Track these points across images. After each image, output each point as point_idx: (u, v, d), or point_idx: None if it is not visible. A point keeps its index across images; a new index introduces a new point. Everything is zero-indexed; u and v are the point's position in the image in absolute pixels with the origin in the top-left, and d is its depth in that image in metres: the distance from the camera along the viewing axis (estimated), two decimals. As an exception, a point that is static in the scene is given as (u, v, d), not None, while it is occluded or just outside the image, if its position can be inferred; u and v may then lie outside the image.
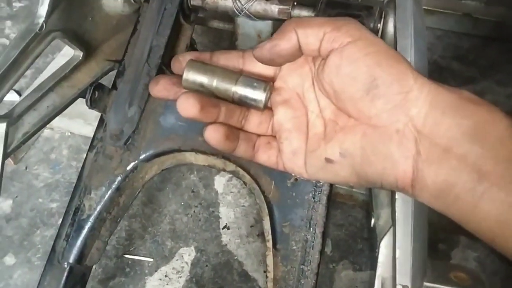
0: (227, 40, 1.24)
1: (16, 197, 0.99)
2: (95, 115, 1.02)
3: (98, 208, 0.62)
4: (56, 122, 1.09)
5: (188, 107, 0.42)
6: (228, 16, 0.70)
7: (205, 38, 1.26)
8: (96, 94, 0.60)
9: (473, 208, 0.33)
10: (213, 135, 0.43)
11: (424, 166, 0.35)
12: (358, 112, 0.38)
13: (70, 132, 1.09)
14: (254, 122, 0.46)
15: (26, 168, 1.03)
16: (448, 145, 0.34)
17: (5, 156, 0.56)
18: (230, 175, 1.01)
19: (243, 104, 0.44)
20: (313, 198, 0.57)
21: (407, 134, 0.36)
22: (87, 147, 1.04)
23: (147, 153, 0.62)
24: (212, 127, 0.43)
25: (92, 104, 0.60)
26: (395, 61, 0.37)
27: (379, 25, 0.60)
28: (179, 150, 0.62)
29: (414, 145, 0.36)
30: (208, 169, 1.02)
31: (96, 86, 0.60)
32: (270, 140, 0.46)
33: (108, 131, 0.62)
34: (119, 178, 0.62)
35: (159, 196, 0.99)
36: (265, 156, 0.46)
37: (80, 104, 1.05)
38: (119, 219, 0.65)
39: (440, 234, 0.87)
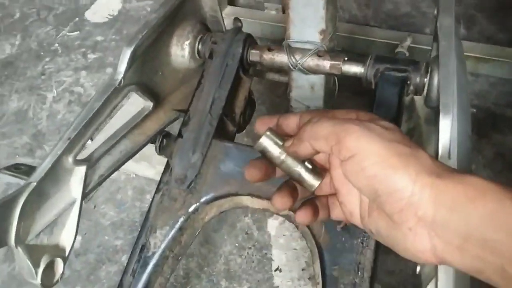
0: (282, 87, 1.30)
1: (85, 234, 1.07)
2: (158, 158, 1.10)
3: (162, 246, 0.67)
4: (123, 164, 1.19)
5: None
6: (284, 69, 0.76)
7: (261, 86, 1.33)
8: (164, 142, 0.67)
9: (506, 285, 0.34)
10: (303, 215, 0.46)
11: (446, 255, 0.37)
12: (377, 208, 0.41)
13: (135, 174, 1.17)
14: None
15: (95, 207, 1.12)
16: (465, 234, 0.35)
17: (84, 196, 0.63)
18: (283, 219, 1.04)
19: (297, 181, 0.47)
20: (362, 243, 0.60)
21: (419, 232, 0.37)
22: (150, 188, 1.11)
23: (208, 196, 0.67)
24: (300, 211, 0.46)
25: (161, 151, 0.67)
26: (392, 169, 0.38)
27: (425, 79, 0.64)
28: (236, 194, 0.67)
29: (429, 240, 0.37)
30: (262, 212, 1.06)
31: (165, 135, 0.67)
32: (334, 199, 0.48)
33: (173, 175, 0.68)
34: (181, 218, 0.67)
35: (215, 237, 1.04)
36: (338, 212, 0.48)
37: (145, 148, 1.14)
38: (180, 257, 0.70)
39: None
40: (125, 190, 1.15)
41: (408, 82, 0.64)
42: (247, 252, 1.01)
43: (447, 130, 0.48)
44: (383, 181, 0.38)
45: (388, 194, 0.38)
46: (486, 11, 1.46)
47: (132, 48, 0.63)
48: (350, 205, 0.45)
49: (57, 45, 1.56)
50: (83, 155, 0.65)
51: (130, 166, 1.16)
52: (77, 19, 1.65)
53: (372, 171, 0.38)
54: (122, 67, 0.63)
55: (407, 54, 0.67)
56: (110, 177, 1.17)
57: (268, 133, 0.45)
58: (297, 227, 0.65)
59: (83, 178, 0.63)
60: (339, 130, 0.40)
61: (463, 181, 0.36)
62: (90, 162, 0.65)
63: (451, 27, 0.55)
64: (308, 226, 0.63)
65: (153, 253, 0.67)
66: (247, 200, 0.67)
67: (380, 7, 1.53)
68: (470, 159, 0.53)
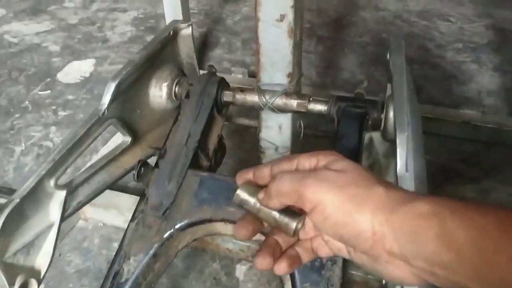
0: (249, 143, 1.36)
1: (49, 282, 1.05)
2: (127, 206, 1.11)
3: (136, 272, 0.69)
4: (91, 213, 1.19)
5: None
6: (253, 115, 0.82)
7: (229, 142, 1.39)
8: (142, 170, 0.70)
9: None
10: (281, 268, 0.46)
11: (425, 278, 0.39)
12: None
13: (103, 223, 1.17)
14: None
15: (60, 255, 1.10)
16: (429, 260, 0.37)
17: (62, 219, 0.65)
18: (251, 264, 1.06)
19: (276, 227, 0.48)
20: (330, 260, 0.63)
21: (396, 262, 0.40)
22: (118, 237, 1.11)
23: (182, 223, 0.70)
24: (278, 264, 0.46)
25: (138, 178, 0.70)
26: (348, 215, 0.40)
27: (382, 114, 0.71)
28: (210, 220, 0.70)
29: (407, 268, 0.39)
30: (230, 258, 1.08)
31: (143, 163, 0.70)
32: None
33: (149, 203, 0.71)
34: (156, 245, 0.70)
35: (183, 283, 1.04)
36: (326, 250, 0.49)
37: (115, 196, 1.15)
38: (153, 285, 0.71)
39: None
40: (92, 239, 1.14)
41: (367, 117, 0.72)
42: (215, 297, 1.01)
43: (403, 144, 0.54)
44: (345, 227, 0.41)
45: (353, 237, 0.41)
46: (432, 81, 1.61)
47: (116, 82, 0.68)
48: (336, 243, 0.45)
49: (27, 102, 1.59)
50: (63, 181, 0.67)
51: (98, 214, 1.16)
52: (48, 79, 1.70)
53: (333, 219, 0.41)
54: (106, 98, 0.68)
55: (365, 94, 0.75)
56: (77, 226, 1.17)
57: (243, 185, 0.49)
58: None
59: (63, 202, 0.65)
60: (298, 187, 0.43)
61: (413, 210, 0.38)
62: (70, 188, 0.67)
63: (402, 64, 0.64)
64: (279, 248, 0.66)
65: (126, 280, 0.68)
66: (220, 226, 0.70)
67: (337, 76, 1.67)
68: (425, 176, 0.59)
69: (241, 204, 0.49)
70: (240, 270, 1.07)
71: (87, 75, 1.73)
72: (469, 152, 1.35)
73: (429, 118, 1.37)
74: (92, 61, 1.81)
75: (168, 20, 1.55)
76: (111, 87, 0.68)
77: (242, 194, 0.49)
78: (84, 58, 1.83)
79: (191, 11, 2.08)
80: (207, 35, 1.95)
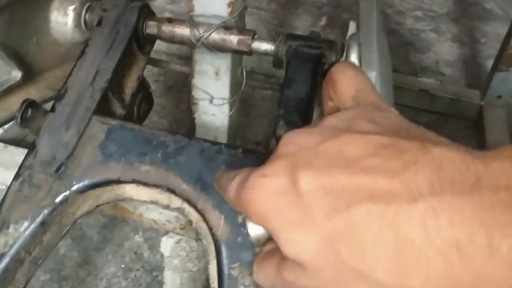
0: (185, 102, 1.21)
1: None
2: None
3: (16, 245, 0.52)
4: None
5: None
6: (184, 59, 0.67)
7: (163, 99, 1.23)
8: (29, 111, 0.53)
9: None
10: None
11: None
12: None
13: (5, 185, 0.98)
14: None
15: None
16: None
17: None
18: (179, 237, 0.92)
19: None
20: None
21: None
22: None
23: (81, 183, 0.54)
24: None
25: (23, 123, 0.53)
26: None
27: (341, 58, 0.58)
28: (118, 182, 0.54)
29: None
30: (155, 230, 0.93)
31: (30, 103, 0.53)
32: None
33: (38, 157, 0.55)
34: (45, 211, 0.53)
35: (97, 257, 0.88)
36: None
37: (18, 154, 0.97)
38: (40, 261, 0.55)
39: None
40: (-10, 203, 0.96)
41: (323, 61, 0.58)
42: (135, 275, 0.86)
43: (370, 86, 0.41)
44: None
45: None
46: (390, 48, 1.50)
47: (-7, -11, 0.50)
48: None
49: None
50: None
51: (0, 175, 0.98)
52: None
53: None
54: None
55: (321, 34, 0.61)
56: (-27, 188, 0.98)
57: None
58: (191, 222, 0.54)
59: None
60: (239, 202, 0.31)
61: None
62: None
63: (371, -8, 0.50)
64: (204, 219, 0.52)
65: (2, 254, 0.52)
66: (131, 190, 0.55)
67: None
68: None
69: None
70: (166, 243, 0.92)
71: None
72: (425, 123, 1.25)
73: (386, 84, 1.26)
74: None
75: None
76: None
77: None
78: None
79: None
80: (148, -18, 1.74)
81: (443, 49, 1.53)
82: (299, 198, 0.26)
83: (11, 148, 1.01)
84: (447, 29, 1.62)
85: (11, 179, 0.98)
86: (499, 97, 1.18)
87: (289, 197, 0.26)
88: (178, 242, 0.92)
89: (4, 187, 0.98)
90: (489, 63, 1.25)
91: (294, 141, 0.29)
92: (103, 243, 0.90)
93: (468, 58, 1.49)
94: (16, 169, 0.96)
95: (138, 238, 0.92)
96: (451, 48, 1.53)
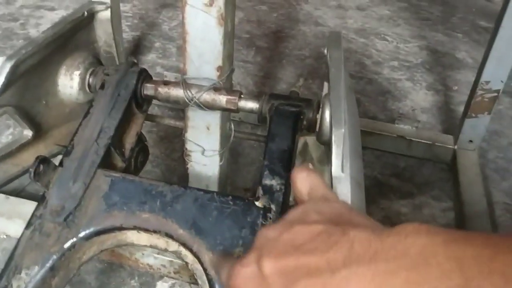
0: (178, 151, 1.27)
1: None
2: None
3: (27, 289, 0.58)
4: (-8, 223, 1.04)
5: None
6: (178, 115, 0.74)
7: (157, 149, 1.30)
8: (41, 167, 0.60)
9: None
10: None
11: None
12: None
13: (6, 235, 1.03)
14: None
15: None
16: None
17: None
18: (174, 281, 0.97)
19: None
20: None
21: None
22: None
23: (87, 231, 0.60)
24: None
25: (36, 177, 0.59)
26: None
27: (317, 115, 0.66)
28: (120, 228, 0.61)
29: None
30: (150, 274, 0.97)
31: (42, 159, 0.60)
32: None
33: (48, 207, 0.61)
34: (54, 256, 0.59)
35: (95, 303, 0.92)
36: None
37: (20, 204, 1.02)
38: (48, 304, 0.60)
39: None
40: (-8, 252, 1.00)
41: (302, 117, 0.65)
42: (131, 318, 0.90)
43: (340, 142, 0.48)
44: None
45: None
46: (369, 96, 1.60)
47: (12, 62, 0.58)
48: None
49: None
50: None
51: (1, 224, 1.02)
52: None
53: None
54: (-1, 80, 0.58)
55: (300, 93, 0.69)
56: (-25, 238, 1.02)
57: None
58: (187, 264, 0.59)
59: None
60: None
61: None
62: None
63: (340, 58, 0.58)
64: (199, 260, 0.57)
65: (15, 298, 0.57)
66: (132, 236, 0.61)
67: (275, 86, 1.62)
68: (362, 178, 0.53)
69: None
70: (161, 287, 0.96)
71: (4, 73, 1.57)
72: (403, 167, 1.33)
73: (365, 132, 1.34)
74: (11, 59, 1.65)
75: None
76: (6, 68, 0.57)
77: None
78: (1, 55, 1.67)
79: (125, 14, 1.98)
80: (141, 39, 1.85)
81: (418, 97, 1.62)
82: (264, 281, 0.37)
83: (12, 199, 1.06)
84: (422, 78, 1.73)
85: (12, 229, 1.04)
86: (470, 141, 1.26)
87: (258, 281, 0.37)
88: (172, 286, 0.96)
89: (5, 236, 1.03)
90: (461, 109, 1.35)
91: (264, 235, 0.41)
92: (101, 289, 0.95)
93: (442, 105, 1.59)
94: (17, 219, 1.01)
95: (134, 283, 0.96)
96: (426, 96, 1.63)
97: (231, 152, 1.12)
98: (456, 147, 1.29)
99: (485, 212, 1.15)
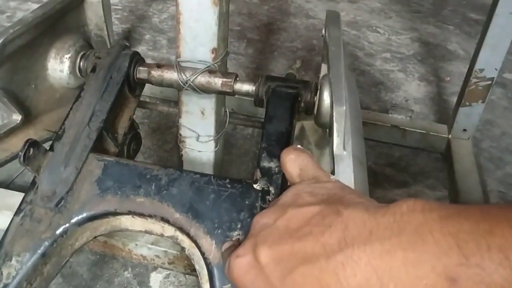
0: (170, 143, 1.26)
1: None
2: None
3: (18, 277, 0.56)
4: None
5: None
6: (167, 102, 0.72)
7: (149, 141, 1.28)
8: (31, 151, 0.58)
9: None
10: None
11: None
12: None
13: (-5, 228, 1.00)
14: None
15: None
16: None
17: None
18: (168, 272, 0.95)
19: None
20: (255, 257, 0.54)
21: None
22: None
23: (80, 216, 0.58)
24: None
25: (26, 161, 0.57)
26: None
27: (315, 96, 0.64)
28: (114, 213, 0.59)
29: None
30: (144, 266, 0.96)
31: (32, 143, 0.58)
32: None
33: (39, 192, 0.59)
34: (46, 243, 0.57)
35: (88, 295, 0.90)
36: None
37: (9, 195, 1.00)
38: (40, 292, 0.58)
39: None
40: (-20, 246, 0.97)
41: (299, 99, 0.64)
42: (125, 310, 0.88)
43: (341, 119, 0.47)
44: None
45: None
46: (362, 87, 1.60)
47: (0, 41, 0.55)
48: None
49: None
50: None
51: (-11, 217, 1.00)
52: None
53: None
54: (-14, 60, 0.56)
55: (296, 76, 0.68)
56: (-38, 231, 0.99)
57: None
58: (183, 249, 0.58)
59: None
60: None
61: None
62: None
63: (339, 37, 0.57)
64: (197, 244, 0.56)
65: (5, 285, 0.55)
66: (127, 221, 0.59)
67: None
68: (364, 156, 0.52)
69: None
70: (155, 279, 0.94)
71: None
72: (398, 157, 1.33)
73: (359, 121, 1.33)
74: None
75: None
76: (-7, 47, 0.55)
77: None
78: (-12, 48, 1.63)
79: (114, 7, 1.95)
80: (131, 31, 1.83)
81: (411, 88, 1.62)
82: (261, 271, 0.36)
83: (1, 191, 1.04)
84: (414, 69, 1.73)
85: (1, 221, 1.01)
86: (465, 130, 1.26)
87: (255, 270, 0.37)
88: (167, 277, 0.95)
89: (-6, 229, 1.00)
90: (454, 99, 1.34)
91: (258, 222, 0.41)
92: (93, 281, 0.93)
93: (434, 96, 1.58)
94: (6, 210, 0.99)
95: (127, 274, 0.95)
96: (419, 87, 1.63)
97: (224, 142, 1.11)
98: (450, 136, 1.28)
99: (480, 201, 1.15)
